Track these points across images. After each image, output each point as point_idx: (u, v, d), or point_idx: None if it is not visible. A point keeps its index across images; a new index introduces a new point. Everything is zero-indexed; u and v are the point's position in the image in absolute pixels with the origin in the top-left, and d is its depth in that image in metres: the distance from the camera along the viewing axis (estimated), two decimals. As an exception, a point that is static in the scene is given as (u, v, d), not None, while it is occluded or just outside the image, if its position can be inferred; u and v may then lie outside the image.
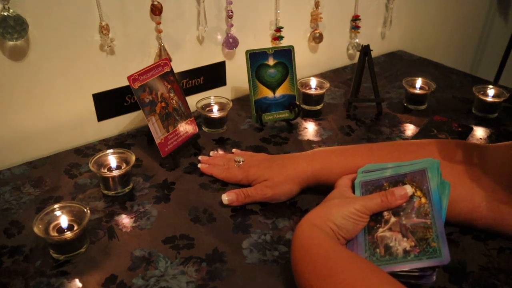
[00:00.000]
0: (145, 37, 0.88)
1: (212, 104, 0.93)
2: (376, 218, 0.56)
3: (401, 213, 0.55)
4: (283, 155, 0.74)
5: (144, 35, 0.87)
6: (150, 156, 0.82)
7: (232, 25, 0.97)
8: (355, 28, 1.22)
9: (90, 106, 0.86)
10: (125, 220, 0.67)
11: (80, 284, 0.56)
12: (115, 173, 0.71)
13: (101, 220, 0.67)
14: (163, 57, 0.88)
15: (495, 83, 1.11)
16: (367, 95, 1.07)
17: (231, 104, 0.92)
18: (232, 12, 0.95)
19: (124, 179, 0.72)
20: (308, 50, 1.18)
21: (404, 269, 0.51)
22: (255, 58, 0.90)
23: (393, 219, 0.55)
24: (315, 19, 1.12)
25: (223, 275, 0.58)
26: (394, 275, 0.49)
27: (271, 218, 0.67)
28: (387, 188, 0.58)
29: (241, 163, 0.74)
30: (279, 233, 0.65)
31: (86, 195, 0.72)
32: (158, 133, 0.77)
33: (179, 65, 0.94)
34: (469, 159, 0.63)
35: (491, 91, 0.98)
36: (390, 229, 0.54)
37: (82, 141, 0.87)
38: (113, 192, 0.72)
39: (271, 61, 0.91)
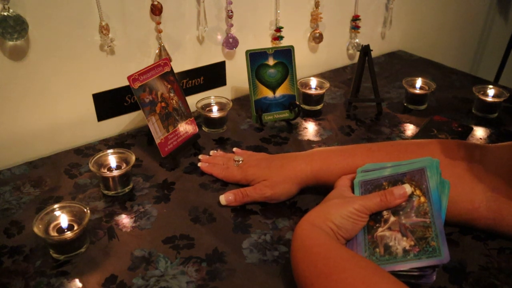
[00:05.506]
0: (145, 37, 0.88)
1: (212, 104, 0.93)
2: (375, 218, 0.56)
3: (401, 213, 0.55)
4: (282, 154, 0.74)
5: (144, 35, 0.87)
6: (150, 156, 0.82)
7: (232, 25, 0.97)
8: (355, 28, 1.22)
9: (90, 106, 0.86)
10: (125, 220, 0.67)
11: (80, 284, 0.56)
12: (115, 173, 0.71)
13: (101, 220, 0.67)
14: (163, 57, 0.88)
15: (495, 83, 1.11)
16: (367, 95, 1.07)
17: (231, 104, 0.92)
18: (232, 12, 0.95)
19: (124, 179, 0.72)
20: (308, 50, 1.18)
21: (404, 269, 0.51)
22: (255, 58, 0.90)
23: (392, 219, 0.55)
24: (315, 19, 1.12)
25: (223, 275, 0.58)
26: (394, 275, 0.49)
27: (271, 218, 0.68)
28: (386, 187, 0.58)
29: (240, 162, 0.74)
30: (279, 233, 0.65)
31: (86, 195, 0.72)
32: (158, 133, 0.77)
33: (179, 65, 0.94)
34: (469, 159, 0.63)
35: (491, 91, 0.98)
36: (389, 228, 0.54)
37: (82, 141, 0.87)
38: (113, 192, 0.72)
39: (271, 61, 0.91)
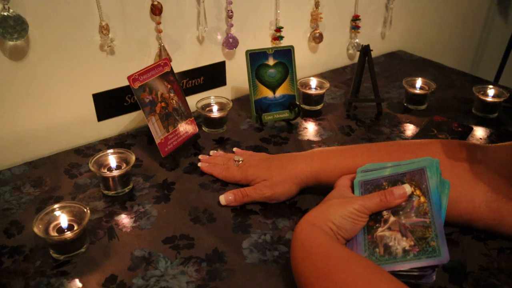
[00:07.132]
0: (145, 37, 0.88)
1: (212, 104, 0.93)
2: (375, 218, 0.56)
3: (400, 213, 0.55)
4: (282, 154, 0.74)
5: (144, 35, 0.87)
6: (150, 156, 0.82)
7: (232, 25, 0.97)
8: (355, 28, 1.22)
9: (90, 106, 0.86)
10: (125, 220, 0.67)
11: (80, 284, 0.56)
12: (115, 173, 0.71)
13: (101, 220, 0.67)
14: (163, 57, 0.88)
15: (495, 83, 1.11)
16: (367, 95, 1.07)
17: (231, 104, 0.92)
18: (232, 12, 0.95)
19: (124, 179, 0.72)
20: (308, 50, 1.18)
21: (404, 269, 0.51)
22: (255, 58, 0.90)
23: (392, 219, 0.55)
24: (315, 19, 1.12)
25: (223, 275, 0.58)
26: (394, 275, 0.49)
27: (271, 218, 0.68)
28: (386, 187, 0.58)
29: (240, 162, 0.74)
30: (279, 233, 0.65)
31: (86, 195, 0.72)
32: (158, 133, 0.77)
33: (179, 65, 0.94)
34: (470, 160, 0.63)
35: (491, 91, 0.98)
36: (389, 228, 0.54)
37: (82, 141, 0.87)
38: (113, 192, 0.72)
39: (271, 61, 0.91)
